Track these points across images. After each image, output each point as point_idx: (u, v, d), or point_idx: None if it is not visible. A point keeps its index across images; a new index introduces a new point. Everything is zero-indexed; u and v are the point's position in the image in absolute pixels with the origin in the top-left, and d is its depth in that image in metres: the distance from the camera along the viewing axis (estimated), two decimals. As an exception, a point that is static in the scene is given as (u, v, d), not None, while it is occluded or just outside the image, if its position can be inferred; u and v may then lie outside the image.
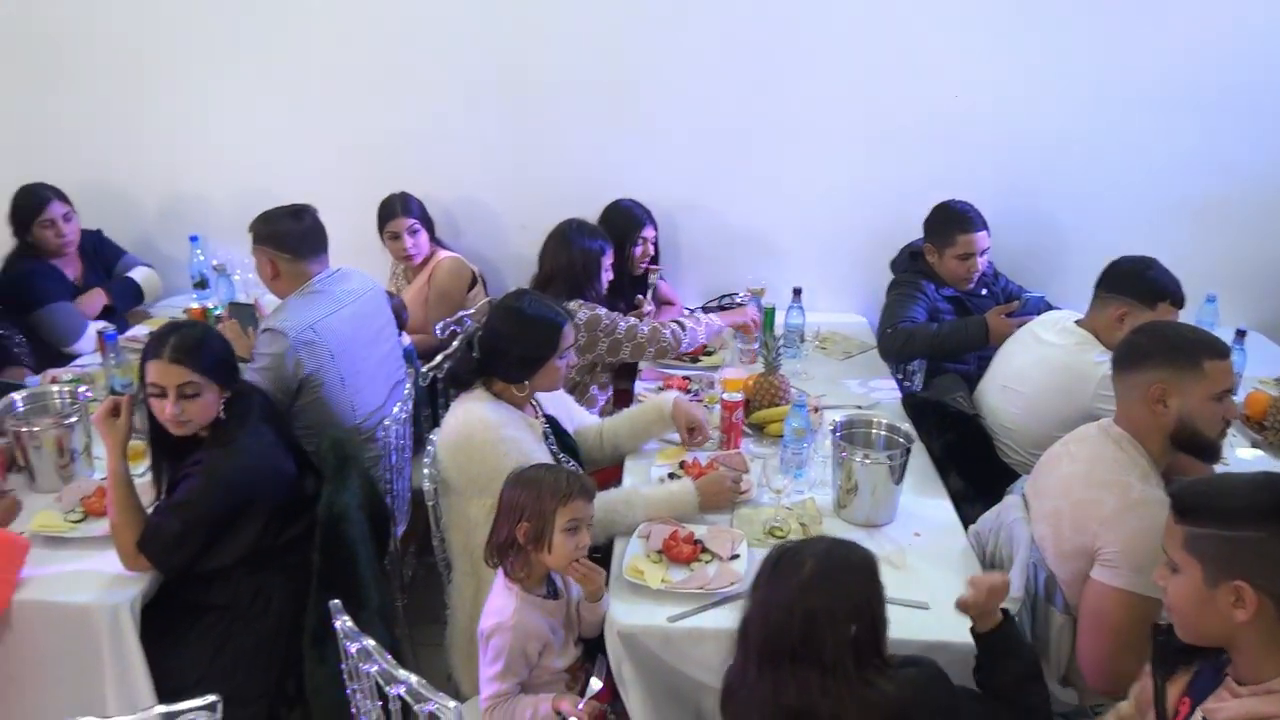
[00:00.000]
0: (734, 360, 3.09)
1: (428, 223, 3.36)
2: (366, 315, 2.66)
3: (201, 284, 3.51)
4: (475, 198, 3.61)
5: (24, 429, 2.32)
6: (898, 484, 2.20)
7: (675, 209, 3.51)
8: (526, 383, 2.22)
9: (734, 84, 3.37)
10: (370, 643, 1.64)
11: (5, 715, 2.06)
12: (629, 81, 3.40)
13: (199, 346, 2.05)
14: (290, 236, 2.57)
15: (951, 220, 3.05)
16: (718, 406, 2.59)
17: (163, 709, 1.54)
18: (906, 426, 2.33)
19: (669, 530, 2.10)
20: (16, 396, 2.43)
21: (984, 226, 3.04)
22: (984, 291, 3.19)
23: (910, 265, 3.17)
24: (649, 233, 3.26)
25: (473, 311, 3.15)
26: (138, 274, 3.42)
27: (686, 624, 1.88)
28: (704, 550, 2.06)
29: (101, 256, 3.42)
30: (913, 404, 2.74)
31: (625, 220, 3.23)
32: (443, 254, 3.39)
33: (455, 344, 2.89)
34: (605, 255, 2.96)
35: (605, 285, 3.00)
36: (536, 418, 2.29)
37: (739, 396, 2.52)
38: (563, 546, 1.83)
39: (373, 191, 3.37)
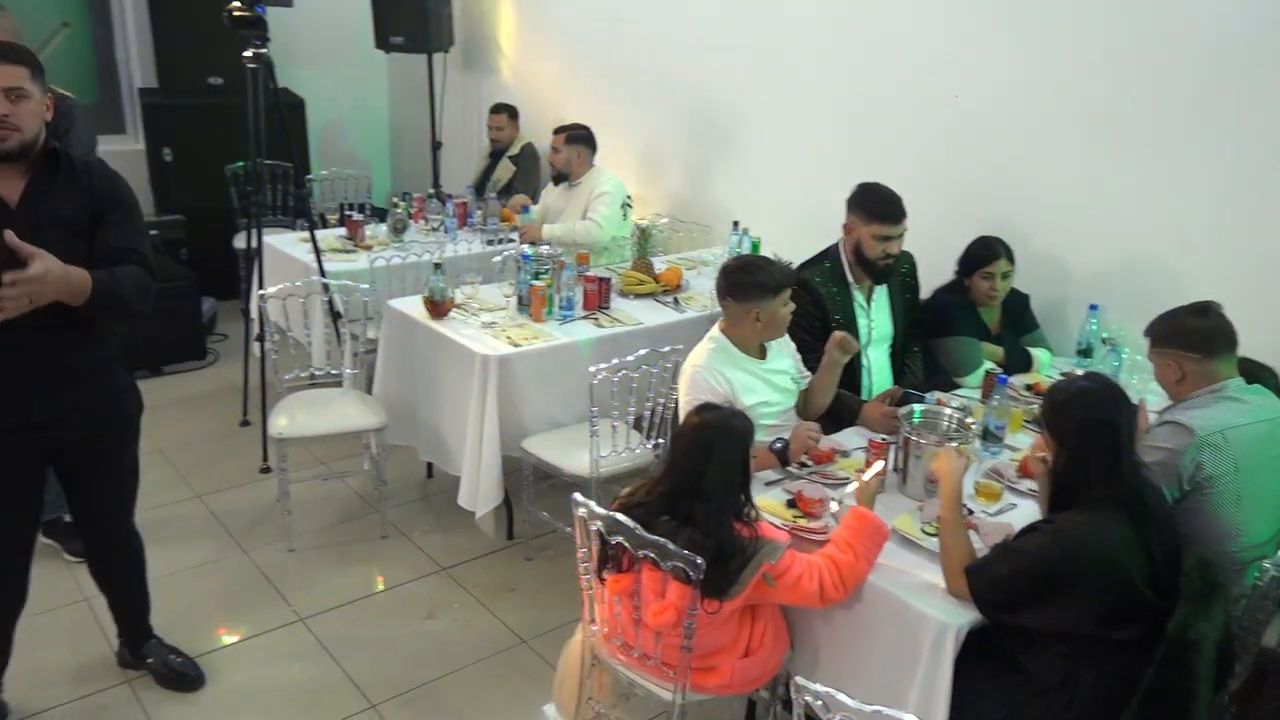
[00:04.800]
0: None
1: None
2: (1280, 439, 2.37)
3: (1086, 352, 3.52)
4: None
5: (913, 437, 2.62)
6: None
7: None
8: None
9: None
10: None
11: (829, 665, 2.38)
12: None
13: None
14: (1197, 334, 2.44)
15: None
16: None
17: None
18: None
19: None
20: (918, 408, 2.75)
21: None
22: None
23: None
24: None
25: None
26: (1036, 351, 3.53)
27: None
28: None
29: (1022, 319, 3.60)
30: None
31: None
32: None
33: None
34: None
35: None
36: None
37: None
38: None
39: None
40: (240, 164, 5.68)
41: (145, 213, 5.30)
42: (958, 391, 3.32)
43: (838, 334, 2.94)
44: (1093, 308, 3.52)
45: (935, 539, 2.34)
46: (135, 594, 2.89)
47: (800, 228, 4.19)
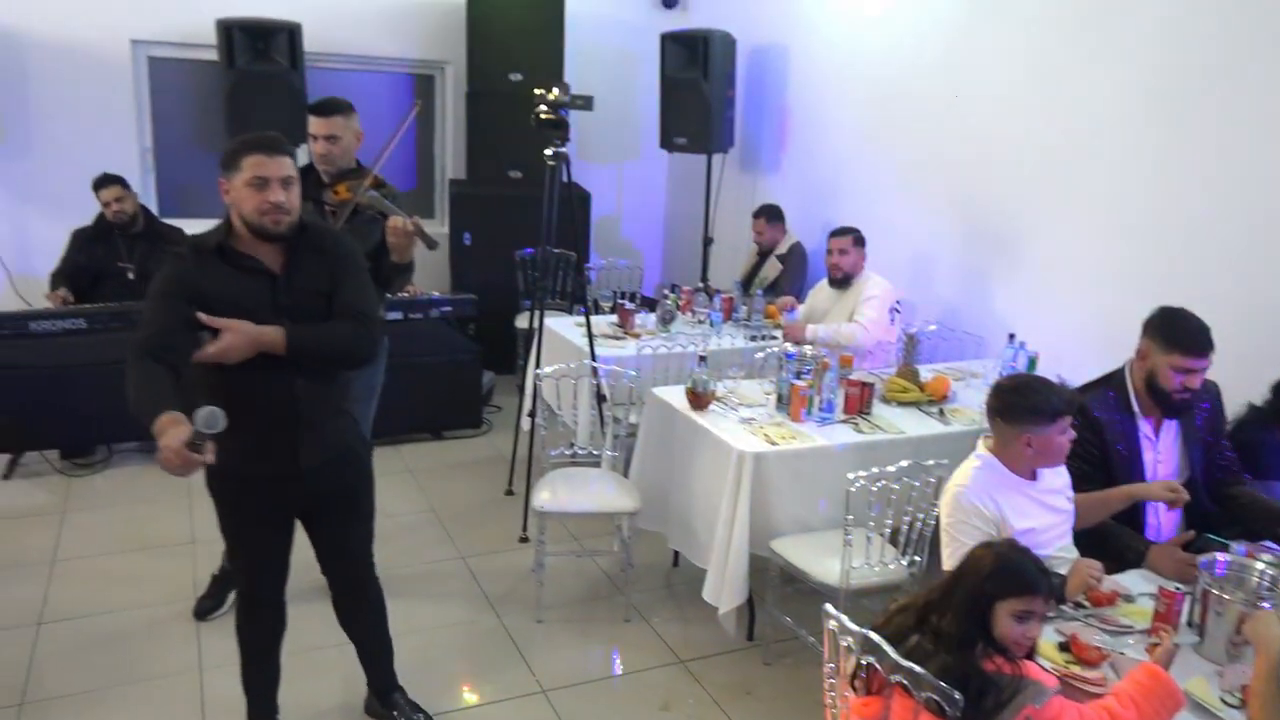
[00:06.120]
0: None
1: None
2: None
3: None
4: None
5: (1213, 590, 2.33)
6: None
7: None
8: None
9: None
10: None
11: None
12: None
13: None
14: None
15: None
16: None
17: None
18: None
19: None
20: (1221, 558, 2.46)
21: None
22: None
23: None
24: None
25: None
26: None
27: None
28: None
29: None
30: None
31: None
32: None
33: None
34: None
35: None
36: None
37: None
38: None
39: None
40: (529, 250, 6.14)
41: (441, 290, 5.91)
42: (1269, 543, 2.93)
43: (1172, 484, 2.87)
44: None
45: (1236, 711, 2.06)
46: (378, 641, 3.03)
47: (1084, 346, 3.92)
